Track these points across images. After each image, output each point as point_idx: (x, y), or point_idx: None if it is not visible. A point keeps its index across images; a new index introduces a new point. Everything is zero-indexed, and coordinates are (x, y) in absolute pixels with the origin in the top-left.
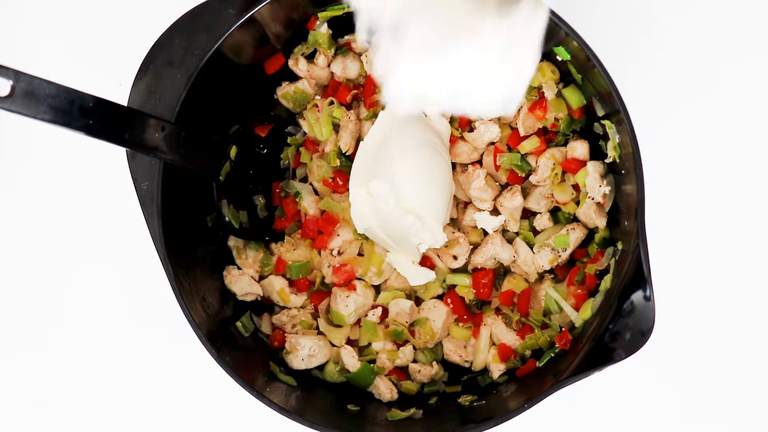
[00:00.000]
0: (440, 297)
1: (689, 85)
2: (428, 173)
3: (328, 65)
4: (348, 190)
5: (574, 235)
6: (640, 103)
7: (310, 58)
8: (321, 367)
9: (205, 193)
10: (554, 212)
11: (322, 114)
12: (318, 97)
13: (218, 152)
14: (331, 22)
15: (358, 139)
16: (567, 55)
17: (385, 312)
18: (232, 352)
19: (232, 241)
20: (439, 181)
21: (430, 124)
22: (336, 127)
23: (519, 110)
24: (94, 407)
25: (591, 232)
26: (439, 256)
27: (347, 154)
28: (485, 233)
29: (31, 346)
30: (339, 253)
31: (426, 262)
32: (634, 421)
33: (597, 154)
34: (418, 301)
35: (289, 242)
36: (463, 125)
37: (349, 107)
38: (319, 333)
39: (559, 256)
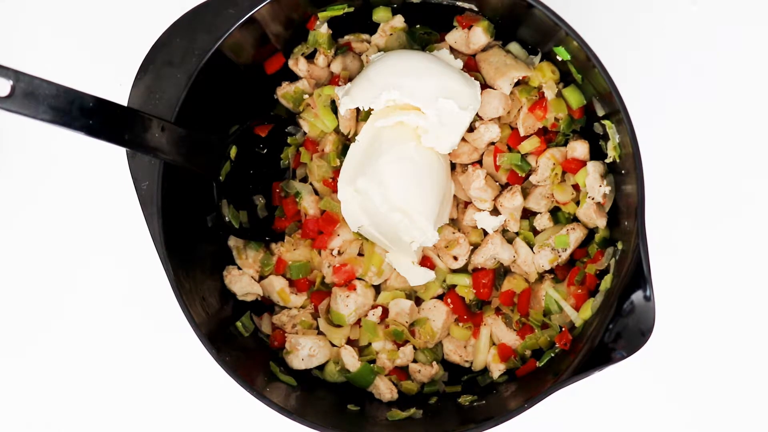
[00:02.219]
0: (440, 297)
1: (689, 85)
2: (417, 170)
3: (328, 65)
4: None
5: (574, 235)
6: (640, 104)
7: (310, 58)
8: (321, 367)
9: (205, 193)
10: (554, 212)
11: (317, 104)
12: (306, 96)
13: (218, 152)
14: (331, 22)
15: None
16: (567, 55)
17: (385, 312)
18: (232, 352)
19: (232, 241)
20: (430, 178)
21: None
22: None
23: (519, 110)
24: (94, 407)
25: (591, 232)
26: (439, 257)
27: (349, 136)
28: (485, 233)
29: (31, 347)
30: (339, 253)
31: (426, 262)
32: (634, 421)
33: (597, 154)
34: (418, 301)
35: (289, 242)
36: None
37: None
38: (319, 333)
39: (559, 256)
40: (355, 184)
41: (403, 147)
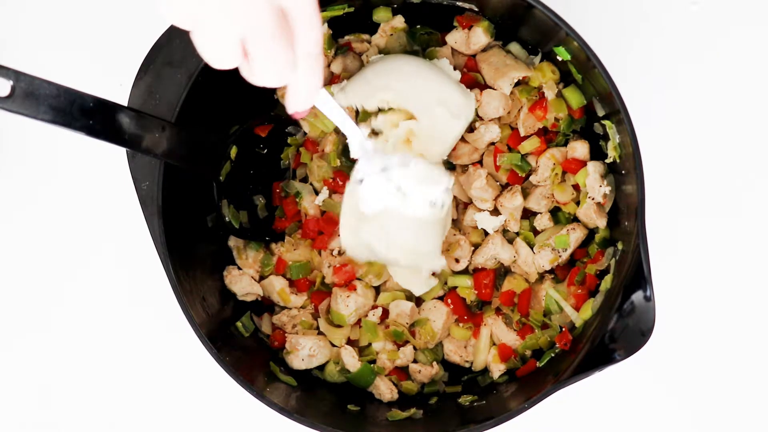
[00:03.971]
0: (440, 297)
1: (689, 85)
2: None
3: (328, 65)
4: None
5: (574, 235)
6: (640, 104)
7: None
8: (321, 367)
9: (205, 193)
10: (554, 212)
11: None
12: None
13: (218, 152)
14: (331, 22)
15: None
16: (567, 55)
17: (386, 312)
18: (232, 352)
19: (233, 241)
20: (431, 220)
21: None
22: None
23: (519, 110)
24: (93, 407)
25: (591, 232)
26: None
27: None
28: (486, 233)
29: (30, 347)
30: (339, 253)
31: None
32: (634, 422)
33: (597, 154)
34: (419, 302)
35: (290, 242)
36: None
37: None
38: (320, 333)
39: (560, 256)
40: (359, 234)
41: None
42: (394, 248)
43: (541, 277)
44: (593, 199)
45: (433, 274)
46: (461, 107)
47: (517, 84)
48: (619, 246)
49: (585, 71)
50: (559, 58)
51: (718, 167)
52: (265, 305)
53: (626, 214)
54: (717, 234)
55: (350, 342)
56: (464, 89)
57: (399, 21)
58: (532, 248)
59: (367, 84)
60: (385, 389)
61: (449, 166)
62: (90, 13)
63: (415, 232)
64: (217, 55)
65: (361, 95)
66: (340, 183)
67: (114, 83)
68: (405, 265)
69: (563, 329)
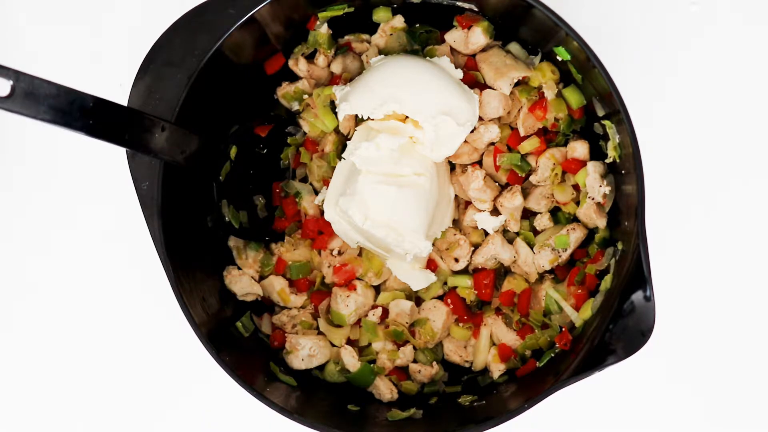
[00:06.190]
0: (440, 297)
1: (690, 85)
2: (397, 182)
3: (328, 65)
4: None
5: (574, 236)
6: (640, 104)
7: (310, 58)
8: (321, 367)
9: (205, 193)
10: (554, 212)
11: (317, 104)
12: (306, 96)
13: (218, 152)
14: (331, 22)
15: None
16: (567, 55)
17: (386, 312)
18: (232, 352)
19: (232, 241)
20: (412, 189)
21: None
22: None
23: (519, 110)
24: (93, 407)
25: (591, 232)
26: (442, 258)
27: (349, 136)
28: (486, 233)
29: (31, 347)
30: (339, 253)
31: (429, 264)
32: (633, 422)
33: (597, 154)
34: (419, 301)
35: (289, 242)
36: None
37: None
38: (319, 333)
39: (560, 256)
40: (338, 204)
41: (380, 159)
42: (370, 220)
43: (541, 277)
44: (593, 199)
45: (432, 271)
46: (466, 113)
47: (517, 84)
48: (619, 246)
49: (585, 71)
50: (559, 58)
51: (718, 167)
52: (265, 305)
53: (626, 214)
54: (717, 234)
55: (350, 342)
56: (467, 92)
57: (399, 21)
58: (532, 248)
59: (372, 94)
60: (385, 389)
61: (449, 165)
62: (90, 13)
63: (392, 203)
64: None
65: (366, 106)
66: None
67: (114, 83)
68: (386, 242)
69: (563, 329)
